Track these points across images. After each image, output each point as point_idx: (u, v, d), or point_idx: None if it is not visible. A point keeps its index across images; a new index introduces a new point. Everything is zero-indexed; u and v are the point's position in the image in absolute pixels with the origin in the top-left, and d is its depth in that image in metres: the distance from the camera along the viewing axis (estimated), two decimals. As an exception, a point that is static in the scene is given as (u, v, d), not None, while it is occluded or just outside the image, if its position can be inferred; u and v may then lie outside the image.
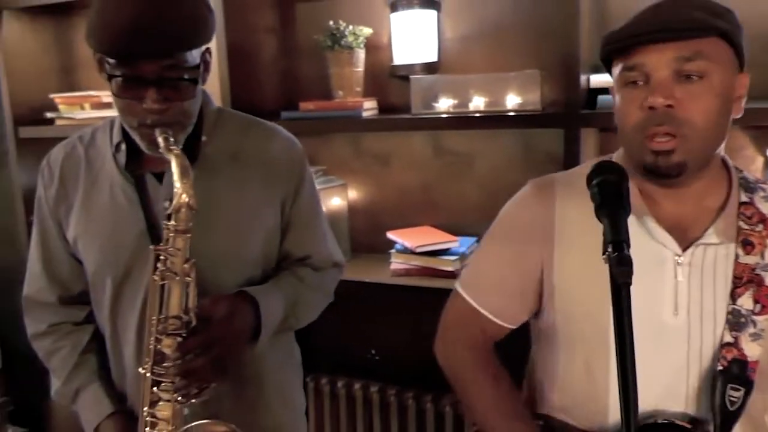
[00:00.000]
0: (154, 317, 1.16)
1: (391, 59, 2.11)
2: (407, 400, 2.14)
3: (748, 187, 1.09)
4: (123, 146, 1.29)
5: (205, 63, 1.25)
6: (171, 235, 1.14)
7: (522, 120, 1.84)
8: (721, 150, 1.07)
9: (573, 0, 1.65)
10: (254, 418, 1.28)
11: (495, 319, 1.21)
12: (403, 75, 2.09)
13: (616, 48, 1.02)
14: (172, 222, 1.14)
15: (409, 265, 2.00)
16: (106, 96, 2.40)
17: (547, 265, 1.14)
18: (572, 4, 1.65)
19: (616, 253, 0.82)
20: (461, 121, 1.91)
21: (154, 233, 1.27)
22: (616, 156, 1.13)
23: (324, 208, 2.11)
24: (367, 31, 2.08)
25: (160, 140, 1.16)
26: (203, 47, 1.23)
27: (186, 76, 1.18)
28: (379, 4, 2.14)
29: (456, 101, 1.92)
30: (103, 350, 1.38)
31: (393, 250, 2.03)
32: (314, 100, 2.12)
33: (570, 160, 1.71)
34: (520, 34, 1.95)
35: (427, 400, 2.11)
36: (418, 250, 1.96)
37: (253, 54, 2.20)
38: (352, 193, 2.28)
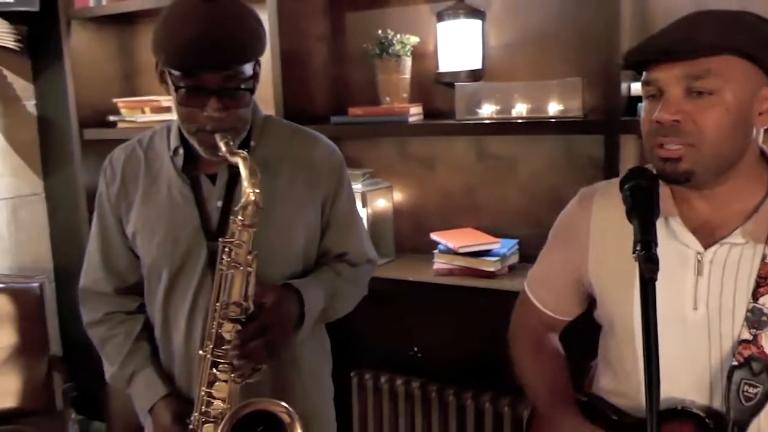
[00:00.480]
0: (218, 303, 1.26)
1: (437, 66, 2.19)
2: (448, 397, 2.21)
3: None
4: (181, 150, 1.40)
5: (256, 74, 1.35)
6: (238, 229, 1.25)
7: (563, 126, 1.90)
8: (754, 156, 1.10)
9: (613, 10, 1.71)
10: (291, 401, 1.35)
11: (548, 312, 1.32)
12: (448, 82, 2.16)
13: (633, 62, 1.08)
14: (240, 217, 1.24)
15: (451, 265, 2.07)
16: (166, 101, 2.54)
17: (583, 265, 1.22)
18: (613, 14, 1.71)
19: (643, 251, 0.88)
20: (504, 126, 1.97)
21: (207, 229, 1.38)
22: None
23: (370, 209, 2.23)
24: (414, 39, 2.16)
25: (222, 145, 1.26)
26: (259, 57, 1.33)
27: (243, 86, 1.29)
28: (426, 14, 2.22)
29: (499, 107, 1.99)
30: (153, 337, 1.48)
31: (436, 251, 2.11)
32: (362, 106, 2.22)
33: (610, 165, 1.76)
34: (562, 43, 2.01)
35: (467, 396, 2.18)
36: (461, 250, 2.03)
37: (305, 61, 2.31)
38: (398, 195, 2.36)
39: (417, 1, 2.24)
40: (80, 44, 2.76)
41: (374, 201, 2.25)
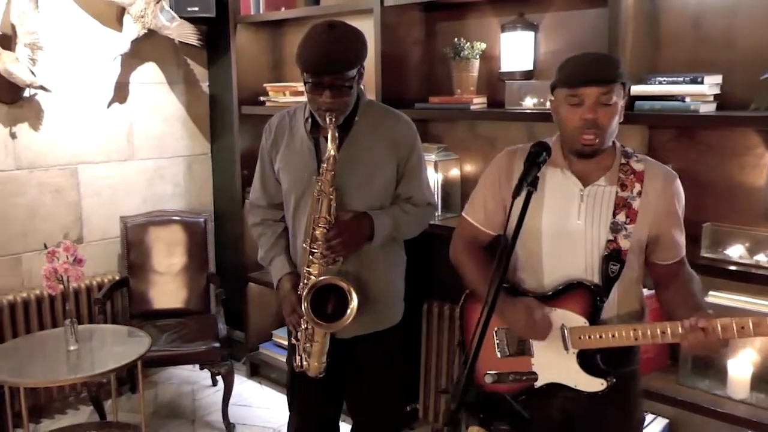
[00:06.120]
0: (314, 216, 2.01)
1: (500, 67, 2.83)
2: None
3: (627, 155, 1.76)
4: (310, 120, 2.14)
5: (360, 74, 2.05)
6: (324, 171, 1.99)
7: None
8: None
9: (615, 31, 2.28)
10: (366, 286, 2.08)
11: (479, 226, 1.93)
12: (508, 79, 2.79)
13: (568, 84, 1.67)
14: (324, 164, 1.98)
15: (497, 219, 2.70)
16: (301, 87, 3.32)
17: (507, 197, 1.79)
18: (615, 36, 2.28)
19: (518, 183, 1.54)
20: (540, 116, 2.56)
21: (320, 172, 2.07)
22: (554, 138, 1.80)
23: (442, 174, 2.91)
24: (482, 45, 2.81)
25: (327, 119, 1.98)
26: (360, 65, 2.02)
27: (347, 84, 1.98)
28: (494, 25, 2.86)
29: (539, 100, 2.60)
30: (287, 237, 2.24)
31: (487, 208, 2.75)
32: (440, 96, 2.90)
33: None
34: (592, 51, 2.57)
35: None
36: (503, 207, 2.67)
37: (402, 60, 3.02)
38: (468, 166, 3.03)
39: (488, 15, 2.89)
40: (242, 41, 3.67)
41: (445, 169, 2.94)
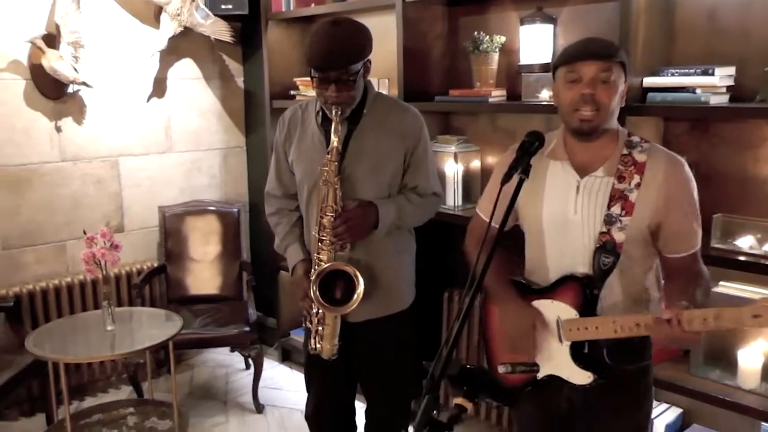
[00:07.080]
0: (322, 205, 2.11)
1: (519, 60, 2.87)
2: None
3: (630, 144, 1.73)
4: (320, 113, 2.25)
5: (366, 68, 2.14)
6: (328, 161, 2.09)
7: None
8: (615, 124, 1.74)
9: (627, 25, 2.30)
10: (373, 273, 2.16)
11: (493, 223, 1.92)
12: (526, 72, 2.83)
13: (566, 61, 1.70)
14: (329, 155, 2.08)
15: (514, 209, 2.76)
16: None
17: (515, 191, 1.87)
18: (627, 29, 2.30)
19: (507, 171, 1.59)
20: (556, 108, 2.61)
21: (325, 162, 2.16)
22: (558, 131, 1.83)
23: (462, 165, 2.97)
24: (501, 39, 2.86)
25: (334, 112, 2.09)
26: (365, 59, 2.12)
27: (351, 78, 2.08)
28: (514, 19, 2.90)
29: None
30: (302, 226, 2.34)
31: (505, 199, 2.81)
32: (461, 89, 2.96)
33: (623, 138, 2.36)
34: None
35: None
36: (519, 198, 2.72)
37: (425, 54, 3.09)
38: (487, 157, 3.08)
39: (508, 9, 2.94)
40: (274, 38, 3.79)
41: (466, 160, 3.00)
